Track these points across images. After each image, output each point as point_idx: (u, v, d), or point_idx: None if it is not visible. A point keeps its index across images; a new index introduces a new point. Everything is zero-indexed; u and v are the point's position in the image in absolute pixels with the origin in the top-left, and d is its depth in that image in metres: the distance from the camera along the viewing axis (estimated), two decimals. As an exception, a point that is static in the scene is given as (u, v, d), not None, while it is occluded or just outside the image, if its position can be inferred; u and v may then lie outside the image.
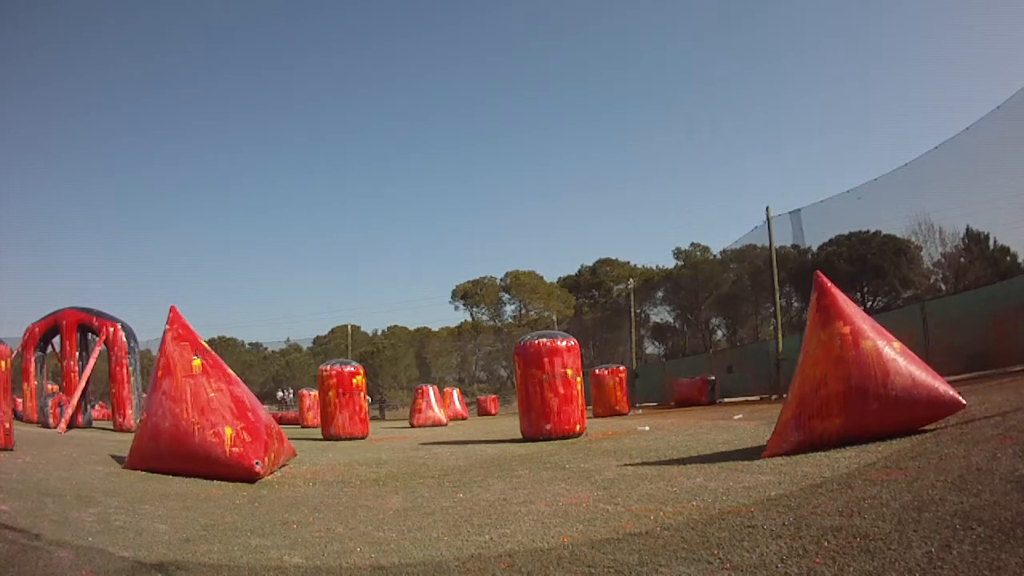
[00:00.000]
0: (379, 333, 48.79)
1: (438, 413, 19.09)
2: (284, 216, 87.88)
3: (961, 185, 17.17)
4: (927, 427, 5.13)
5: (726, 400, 18.93)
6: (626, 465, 5.95)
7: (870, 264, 25.11)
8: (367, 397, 14.62)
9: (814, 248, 26.68)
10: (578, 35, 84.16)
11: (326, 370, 13.22)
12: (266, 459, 6.24)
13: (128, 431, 11.63)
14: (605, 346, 39.18)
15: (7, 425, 7.34)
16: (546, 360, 9.68)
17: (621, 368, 19.11)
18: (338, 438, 12.40)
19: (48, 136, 77.58)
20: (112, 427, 13.03)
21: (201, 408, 6.28)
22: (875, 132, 68.63)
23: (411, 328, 47.30)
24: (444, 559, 3.24)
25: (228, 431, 6.13)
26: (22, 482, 5.26)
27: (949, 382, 5.27)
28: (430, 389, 19.80)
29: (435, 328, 47.24)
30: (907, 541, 2.64)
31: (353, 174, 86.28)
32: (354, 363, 13.72)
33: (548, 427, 9.46)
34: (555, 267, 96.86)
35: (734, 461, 5.39)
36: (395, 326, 47.97)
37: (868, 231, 25.26)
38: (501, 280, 48.01)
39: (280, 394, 36.17)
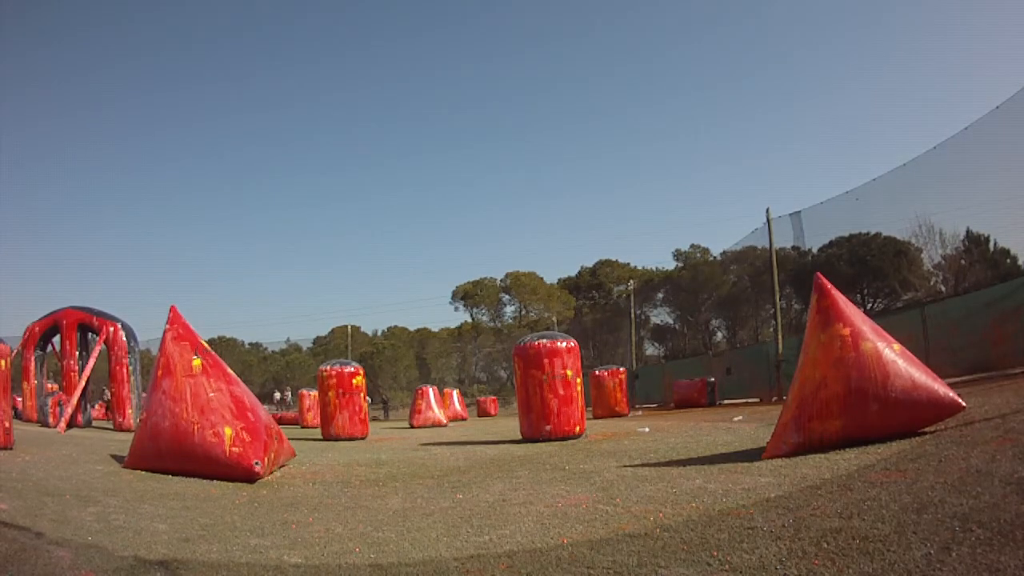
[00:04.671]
0: (379, 333, 48.79)
1: (438, 414, 19.09)
2: (284, 216, 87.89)
3: (961, 186, 17.15)
4: (927, 429, 5.13)
5: (726, 402, 18.92)
6: (626, 466, 5.95)
7: (870, 266, 25.11)
8: (367, 398, 14.62)
9: (814, 250, 26.68)
10: (578, 35, 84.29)
11: (326, 370, 13.22)
12: (266, 459, 6.24)
13: (128, 431, 11.63)
14: (605, 347, 39.19)
15: (7, 424, 7.34)
16: (546, 361, 9.68)
17: (621, 369, 19.13)
18: (338, 438, 12.40)
19: (48, 136, 77.54)
20: (112, 426, 13.04)
21: (201, 408, 6.28)
22: (875, 133, 68.71)
23: (411, 328, 47.31)
24: (443, 559, 3.24)
25: (228, 431, 6.13)
26: (22, 481, 5.27)
27: (949, 384, 5.28)
28: (430, 390, 19.80)
29: (435, 329, 47.26)
30: (906, 543, 2.64)
31: (353, 174, 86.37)
32: (354, 363, 13.72)
33: (548, 428, 9.46)
34: (555, 268, 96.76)
35: (734, 463, 5.40)
36: (395, 326, 47.95)
37: (868, 233, 25.25)
38: (501, 281, 48.00)
39: (277, 395, 36.05)
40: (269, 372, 45.68)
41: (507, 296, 47.83)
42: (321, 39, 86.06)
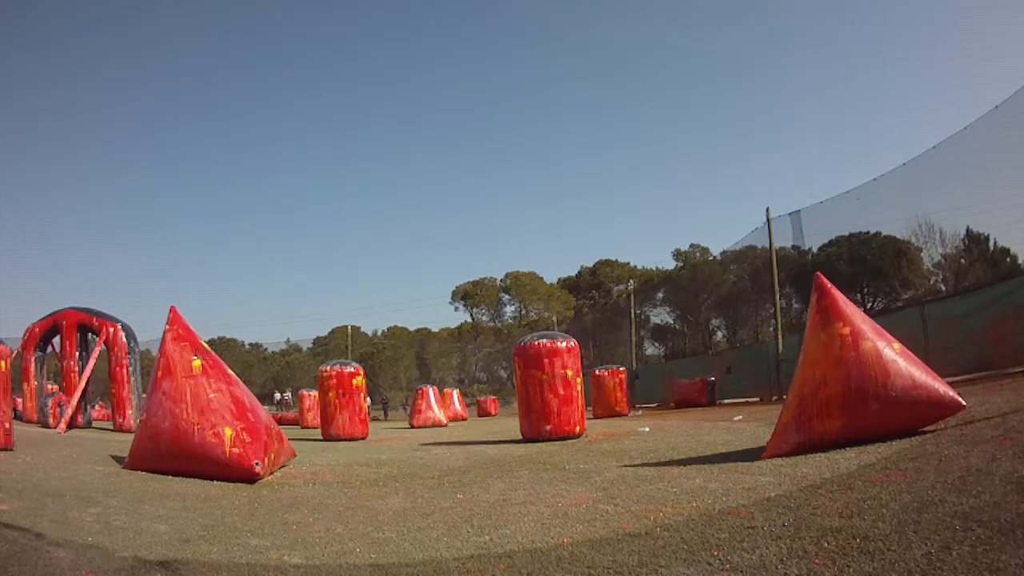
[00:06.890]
0: (379, 333, 48.86)
1: (438, 414, 19.09)
2: (284, 216, 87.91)
3: (961, 185, 17.13)
4: (927, 428, 5.13)
5: (726, 401, 18.91)
6: (626, 466, 5.95)
7: (870, 265, 25.11)
8: (367, 398, 14.61)
9: (814, 249, 26.66)
10: (578, 36, 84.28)
11: (326, 371, 13.22)
12: (266, 459, 6.24)
13: (128, 431, 11.62)
14: (605, 347, 39.16)
15: (7, 425, 7.34)
16: (546, 361, 9.68)
17: (621, 369, 19.12)
18: (338, 439, 12.40)
19: (49, 136, 77.58)
20: (112, 427, 13.03)
21: (201, 408, 6.27)
22: (875, 133, 68.67)
23: (411, 329, 47.39)
24: (443, 559, 3.24)
25: (228, 431, 6.13)
26: (22, 482, 5.26)
27: (949, 383, 5.27)
28: (430, 390, 19.80)
29: (435, 329, 47.35)
30: (907, 542, 2.64)
31: (353, 174, 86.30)
32: (354, 364, 13.72)
33: (548, 428, 9.46)
34: (555, 268, 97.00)
35: (734, 462, 5.40)
36: (395, 326, 48.02)
37: (868, 232, 25.24)
38: (501, 281, 48.05)
39: (277, 395, 36.04)
40: (269, 372, 45.73)
41: (507, 296, 47.91)
42: (321, 39, 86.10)
